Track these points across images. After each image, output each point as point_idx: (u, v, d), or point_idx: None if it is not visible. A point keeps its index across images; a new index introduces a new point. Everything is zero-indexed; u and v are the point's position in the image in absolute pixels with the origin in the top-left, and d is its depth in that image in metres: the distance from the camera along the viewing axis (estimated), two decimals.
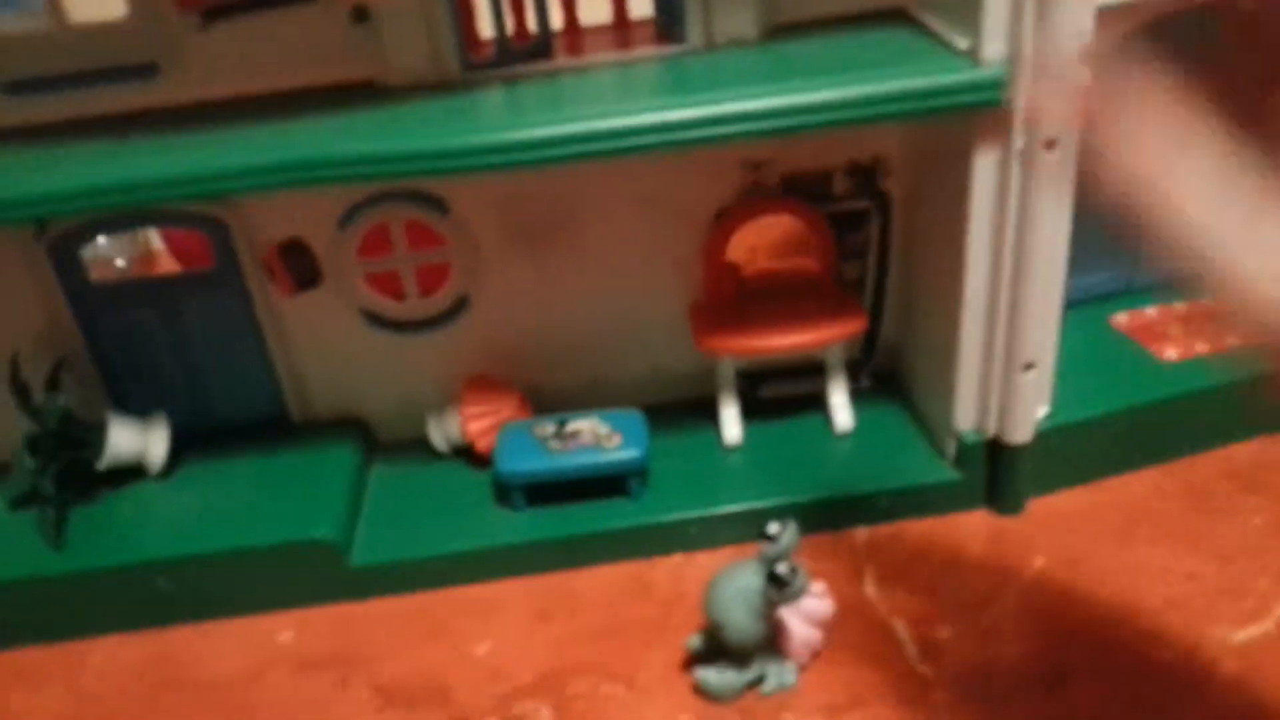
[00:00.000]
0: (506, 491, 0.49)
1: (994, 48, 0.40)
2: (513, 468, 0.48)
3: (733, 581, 0.39)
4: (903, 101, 0.40)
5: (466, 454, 0.52)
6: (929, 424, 0.51)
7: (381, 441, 0.55)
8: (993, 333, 0.45)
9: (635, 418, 0.50)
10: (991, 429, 0.47)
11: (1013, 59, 0.39)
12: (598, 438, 0.48)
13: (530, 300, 0.52)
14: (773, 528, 0.38)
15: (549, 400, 0.53)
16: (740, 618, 0.38)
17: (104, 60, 0.45)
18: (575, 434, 0.49)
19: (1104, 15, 0.39)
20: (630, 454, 0.48)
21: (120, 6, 0.45)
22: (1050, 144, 0.40)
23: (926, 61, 0.41)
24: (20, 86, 0.45)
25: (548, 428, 0.49)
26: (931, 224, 0.48)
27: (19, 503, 0.49)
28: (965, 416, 0.47)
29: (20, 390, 0.48)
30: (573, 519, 0.48)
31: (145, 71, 0.45)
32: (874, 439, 0.51)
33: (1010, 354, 0.45)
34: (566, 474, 0.48)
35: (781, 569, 0.37)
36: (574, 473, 0.48)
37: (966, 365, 0.46)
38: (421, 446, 0.54)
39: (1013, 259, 0.43)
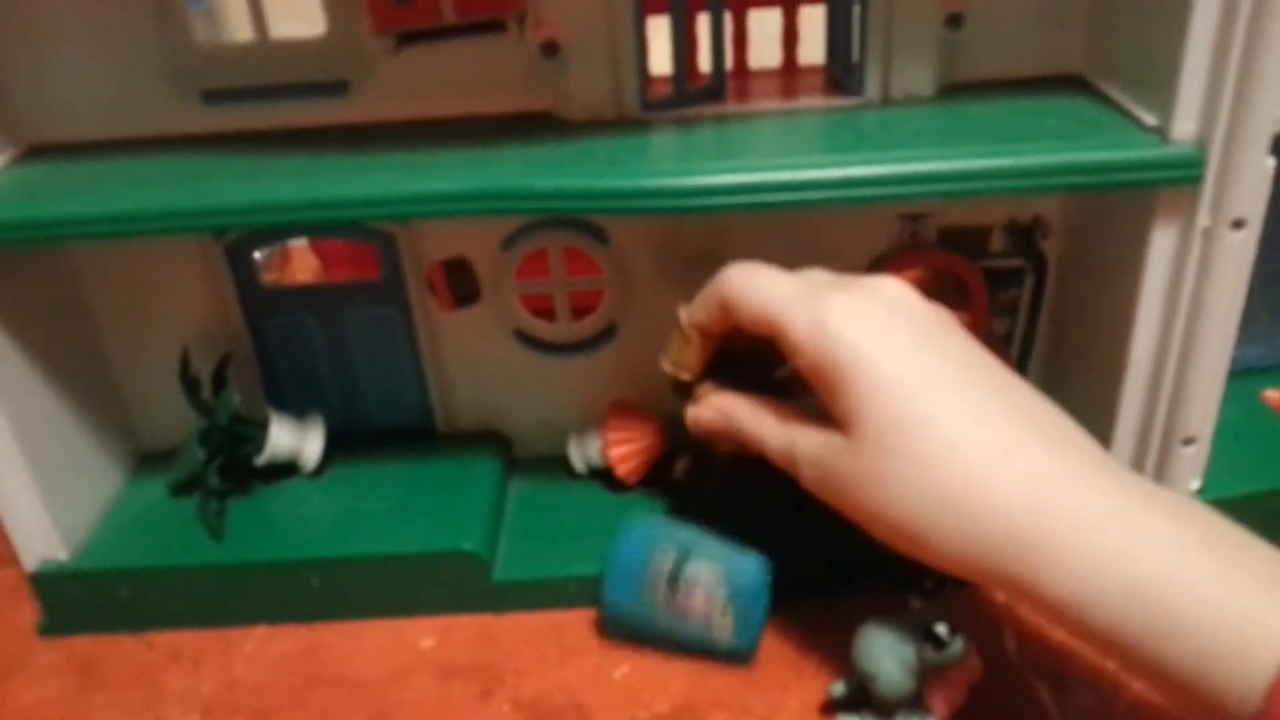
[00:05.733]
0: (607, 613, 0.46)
1: (1185, 126, 0.39)
2: (618, 609, 0.45)
3: (887, 634, 0.39)
4: (1082, 175, 0.40)
5: (604, 477, 0.53)
6: None
7: (520, 458, 0.56)
8: (1154, 405, 0.45)
9: (756, 575, 0.44)
10: None
11: (1203, 138, 0.39)
12: (709, 608, 0.43)
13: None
14: (941, 629, 0.38)
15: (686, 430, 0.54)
16: (891, 669, 0.38)
17: (299, 75, 0.47)
18: (689, 592, 0.44)
19: None
20: (738, 645, 0.44)
21: (319, 25, 0.47)
22: (1238, 224, 0.40)
23: (1109, 134, 0.41)
24: (217, 96, 0.47)
25: (664, 565, 0.44)
26: (1092, 289, 0.48)
27: (182, 489, 0.51)
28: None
29: (190, 384, 0.50)
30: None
31: (337, 88, 0.47)
32: None
33: (1170, 427, 0.44)
34: (667, 641, 0.45)
35: (941, 630, 0.37)
36: (674, 644, 0.45)
37: (1123, 436, 0.46)
38: (558, 465, 0.55)
39: (1183, 333, 0.43)
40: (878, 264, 0.51)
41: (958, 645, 0.37)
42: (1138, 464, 0.46)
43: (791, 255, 0.50)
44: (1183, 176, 0.40)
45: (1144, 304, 0.43)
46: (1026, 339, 0.54)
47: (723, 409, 0.43)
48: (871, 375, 0.36)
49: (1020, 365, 0.54)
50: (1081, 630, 0.34)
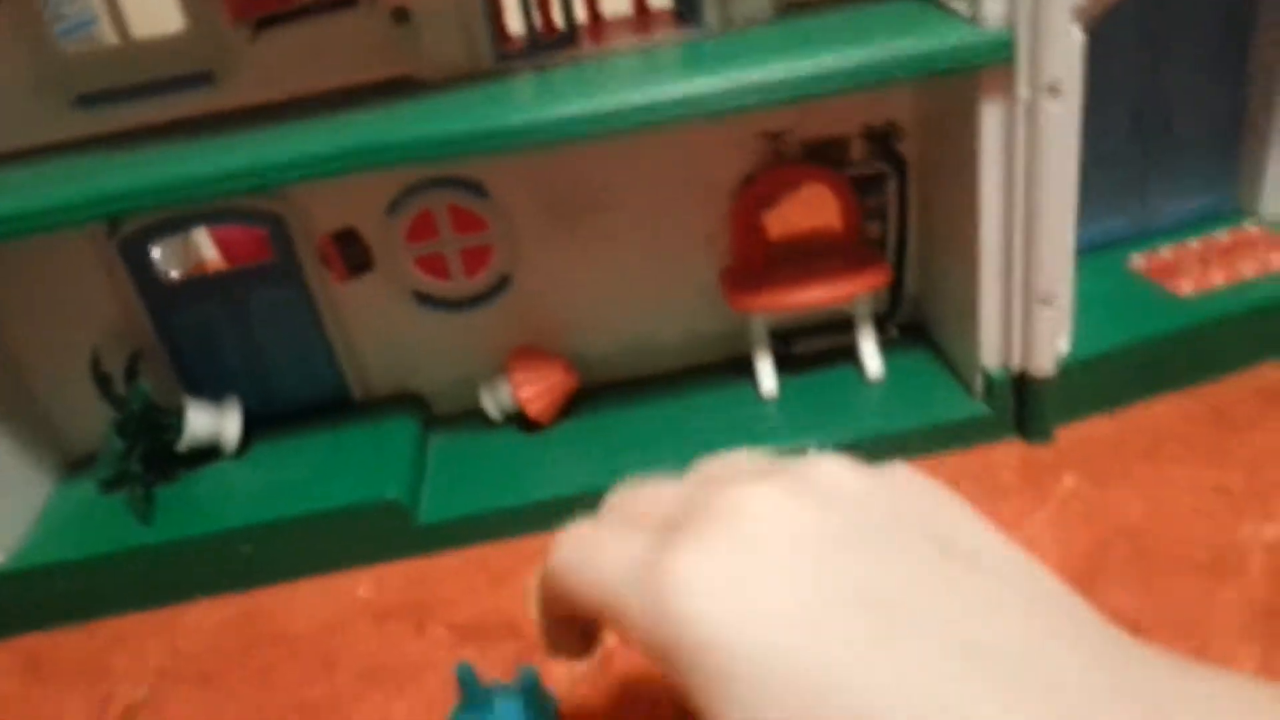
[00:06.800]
0: None
1: (994, 10, 0.43)
2: None
3: None
4: (910, 65, 0.43)
5: (518, 420, 0.56)
6: (956, 365, 0.54)
7: (437, 415, 0.58)
8: (1010, 272, 0.48)
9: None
10: (1016, 363, 0.50)
11: (1011, 19, 0.42)
12: None
13: (568, 275, 0.56)
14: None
15: (592, 365, 0.57)
16: None
17: (165, 71, 0.49)
18: None
19: None
20: None
21: (177, 20, 0.49)
22: (1054, 90, 0.43)
23: (932, 27, 0.44)
24: (89, 99, 0.49)
25: None
26: (946, 181, 0.51)
27: (109, 485, 0.53)
28: (990, 354, 0.50)
29: (102, 381, 0.52)
30: (623, 465, 0.51)
31: (203, 79, 0.49)
32: (904, 382, 0.54)
33: (1028, 290, 0.48)
34: None
35: None
36: None
37: (988, 305, 0.49)
38: (475, 418, 0.57)
39: (1025, 202, 0.46)
40: (748, 182, 0.54)
41: None
42: (1005, 330, 0.49)
43: (665, 187, 0.54)
44: (997, 56, 0.43)
45: (984, 179, 0.46)
46: (900, 239, 0.57)
47: None
48: (737, 688, 0.24)
49: (896, 265, 0.57)
50: None
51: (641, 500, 0.31)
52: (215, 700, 0.45)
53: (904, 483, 0.29)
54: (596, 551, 0.29)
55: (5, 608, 0.50)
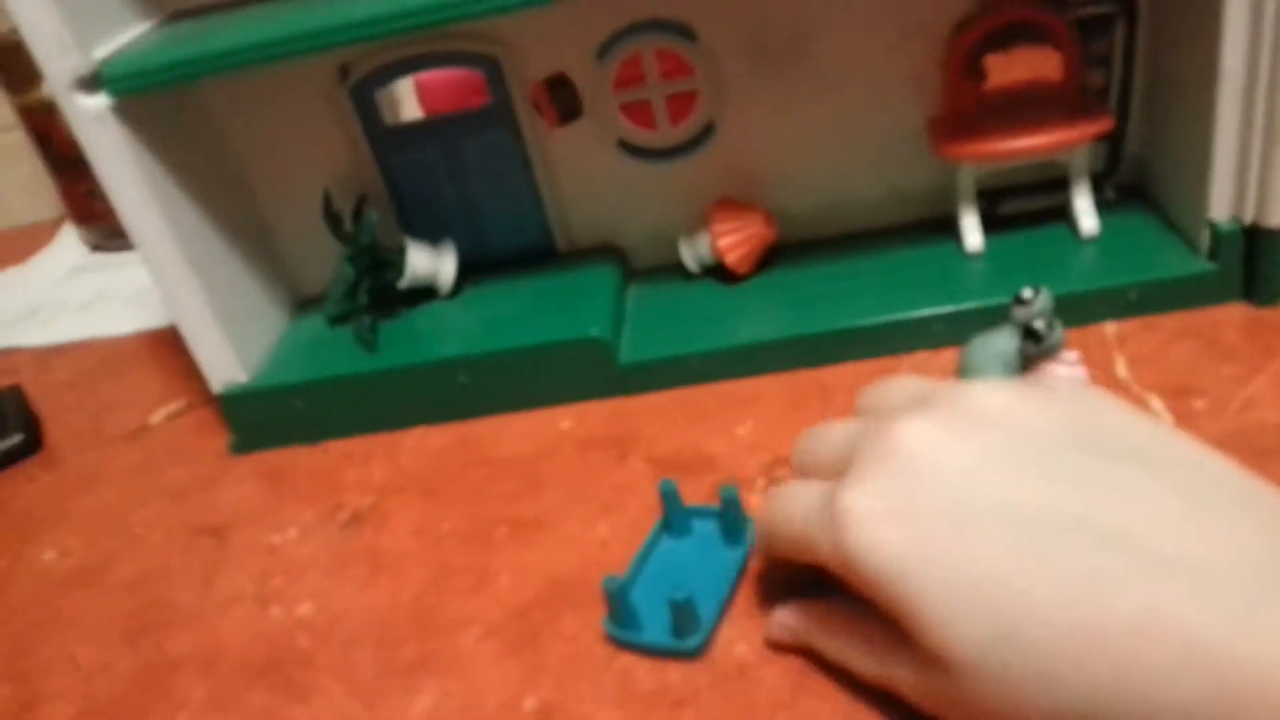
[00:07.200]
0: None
1: None
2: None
3: (988, 343, 0.41)
4: None
5: (717, 273, 0.56)
6: (1180, 221, 0.51)
7: (636, 268, 0.60)
8: (1252, 108, 0.44)
9: None
10: (1249, 215, 0.47)
11: None
12: None
13: (771, 124, 0.55)
14: (1026, 292, 0.40)
15: (792, 221, 0.57)
16: (996, 375, 0.40)
17: None
18: None
19: None
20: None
21: None
22: None
23: None
24: None
25: None
26: (1181, 14, 0.48)
27: (338, 318, 0.57)
28: (1221, 204, 0.47)
29: (334, 220, 0.55)
30: (820, 317, 0.51)
31: None
32: (1121, 240, 0.52)
33: (1271, 128, 0.44)
34: None
35: (1039, 324, 0.39)
36: None
37: (1223, 147, 0.46)
38: (673, 272, 0.58)
39: (1274, 30, 0.42)
40: (965, 23, 0.52)
41: (1056, 336, 0.39)
42: (1239, 175, 0.46)
43: (874, 28, 0.52)
44: None
45: (1230, 22, 0.43)
46: (1124, 88, 0.53)
47: (797, 631, 0.36)
48: (922, 604, 0.28)
49: (1120, 118, 0.54)
50: None
51: (819, 446, 0.36)
52: (434, 508, 0.48)
53: (1055, 398, 0.32)
54: (789, 504, 0.34)
55: (249, 423, 0.55)
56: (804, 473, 0.36)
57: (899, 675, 0.31)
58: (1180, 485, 0.28)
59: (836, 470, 0.33)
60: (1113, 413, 0.32)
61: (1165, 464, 0.29)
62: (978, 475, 0.29)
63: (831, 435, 0.36)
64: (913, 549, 0.29)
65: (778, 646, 0.36)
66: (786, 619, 0.36)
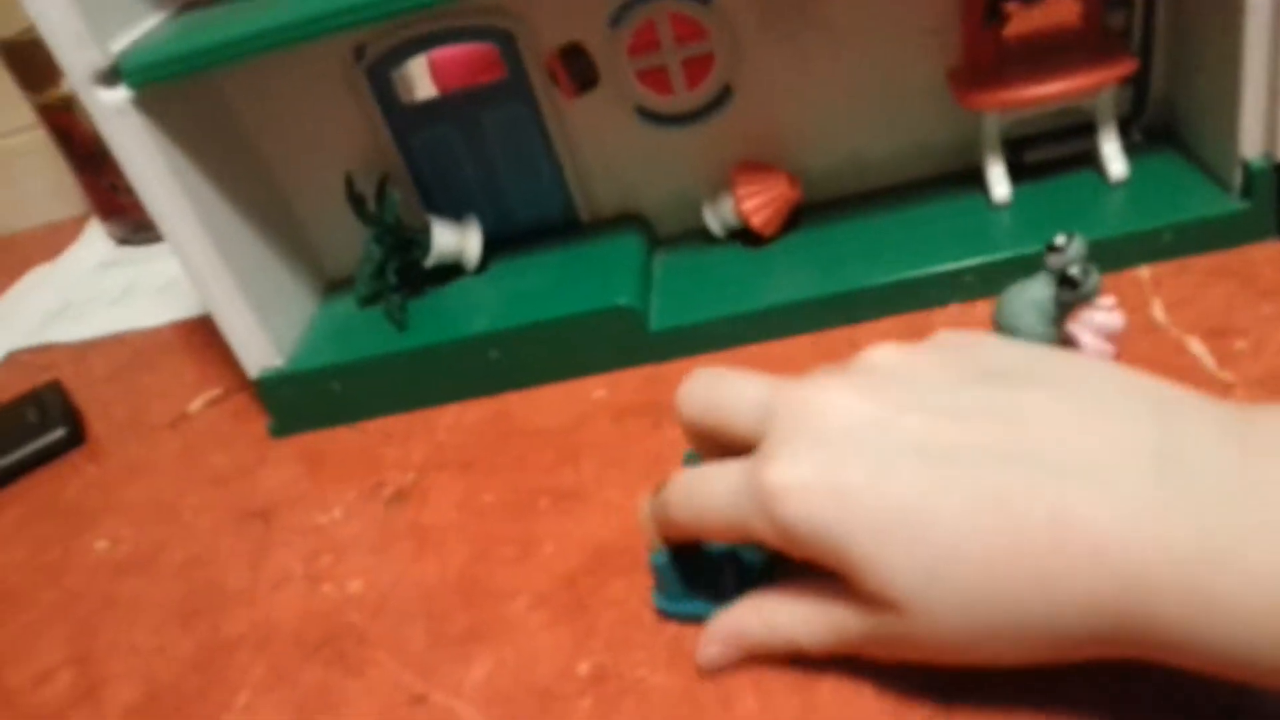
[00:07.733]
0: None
1: None
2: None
3: (1024, 292, 0.41)
4: None
5: (742, 236, 0.56)
6: (1211, 161, 0.50)
7: (661, 235, 0.60)
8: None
9: None
10: None
11: None
12: None
13: (789, 83, 0.55)
14: (1059, 239, 0.40)
15: (815, 180, 0.56)
16: (1032, 323, 0.40)
17: None
18: None
19: None
20: None
21: None
22: None
23: None
24: None
25: None
26: None
27: (368, 299, 0.57)
28: (1252, 142, 0.46)
29: (357, 202, 0.56)
30: (850, 275, 0.51)
31: None
32: (1151, 184, 0.51)
33: None
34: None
35: (1074, 270, 0.39)
36: None
37: (1252, 81, 0.45)
38: (697, 237, 0.58)
39: None
40: None
41: (1093, 282, 0.39)
42: (1270, 110, 0.45)
43: None
44: None
45: None
46: (1147, 30, 0.53)
47: (729, 639, 0.35)
48: (858, 552, 0.30)
49: (1144, 59, 0.53)
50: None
51: (722, 416, 0.35)
52: (474, 482, 0.49)
53: (939, 345, 0.34)
54: (705, 486, 0.34)
55: (287, 406, 0.56)
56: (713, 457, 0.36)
57: (852, 631, 0.32)
58: (1073, 396, 0.30)
59: (746, 443, 0.34)
60: (994, 346, 0.33)
61: (1055, 381, 0.30)
62: (889, 425, 0.31)
63: (742, 398, 0.35)
64: (844, 505, 0.30)
65: (715, 669, 0.36)
66: (720, 632, 0.35)
